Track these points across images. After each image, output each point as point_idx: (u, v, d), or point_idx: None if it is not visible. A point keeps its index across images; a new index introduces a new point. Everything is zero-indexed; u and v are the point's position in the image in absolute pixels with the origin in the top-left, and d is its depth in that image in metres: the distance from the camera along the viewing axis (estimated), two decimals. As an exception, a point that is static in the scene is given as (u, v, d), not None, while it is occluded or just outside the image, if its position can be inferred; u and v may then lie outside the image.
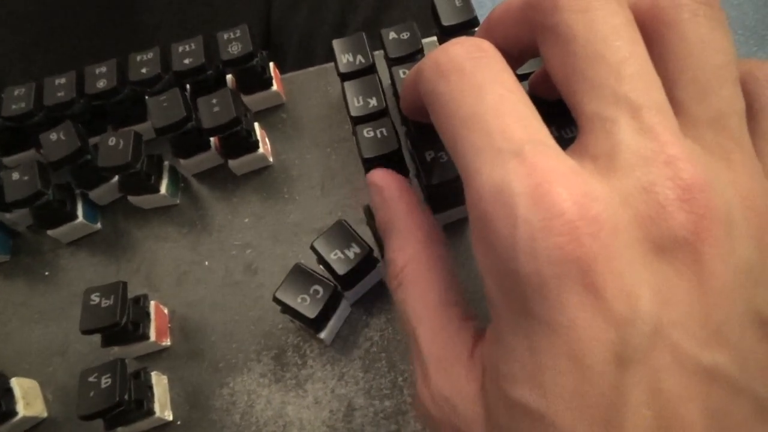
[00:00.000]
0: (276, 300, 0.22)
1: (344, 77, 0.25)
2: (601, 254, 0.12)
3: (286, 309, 0.22)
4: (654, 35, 0.15)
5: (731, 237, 0.13)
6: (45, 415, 0.24)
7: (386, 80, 0.27)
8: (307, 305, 0.21)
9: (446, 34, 0.25)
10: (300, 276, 0.22)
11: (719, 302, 0.12)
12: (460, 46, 0.15)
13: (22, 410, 0.23)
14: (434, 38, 0.28)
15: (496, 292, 0.14)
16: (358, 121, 0.24)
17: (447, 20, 0.25)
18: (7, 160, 0.29)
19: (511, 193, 0.13)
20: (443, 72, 0.15)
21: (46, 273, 0.28)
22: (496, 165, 0.13)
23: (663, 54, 0.15)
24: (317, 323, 0.22)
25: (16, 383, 0.24)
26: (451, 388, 0.15)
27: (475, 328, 0.16)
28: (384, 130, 0.24)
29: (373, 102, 0.24)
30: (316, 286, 0.22)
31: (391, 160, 0.23)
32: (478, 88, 0.15)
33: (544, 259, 0.12)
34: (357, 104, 0.24)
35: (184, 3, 0.41)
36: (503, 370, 0.13)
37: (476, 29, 0.25)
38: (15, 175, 0.25)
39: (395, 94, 0.25)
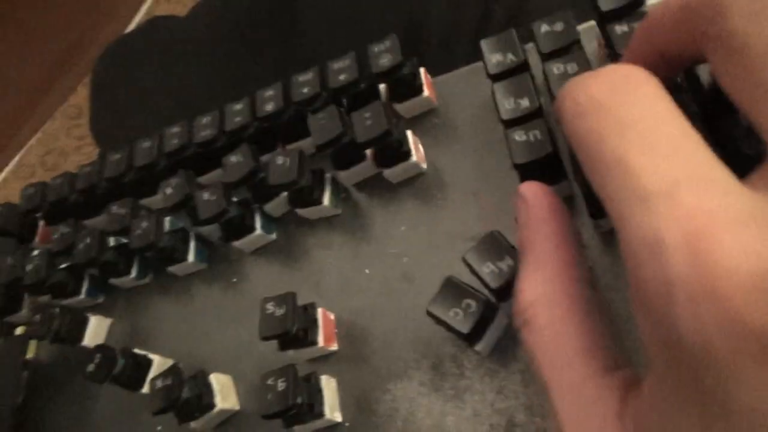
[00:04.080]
0: (429, 314, 0.22)
1: (494, 78, 0.24)
2: None
3: (440, 322, 0.22)
4: None
5: None
6: (237, 407, 0.28)
7: (540, 77, 0.25)
8: (459, 319, 0.21)
9: (606, 20, 0.22)
10: (452, 289, 0.22)
11: None
12: (601, 82, 0.13)
13: (219, 403, 0.27)
14: (593, 22, 0.25)
15: (659, 360, 0.12)
16: (509, 124, 0.23)
17: (606, 4, 0.22)
18: (202, 179, 0.33)
19: (664, 246, 0.11)
20: (582, 112, 0.14)
21: (234, 280, 0.31)
22: (645, 212, 0.12)
23: None
24: (471, 337, 0.21)
25: (214, 378, 0.28)
26: None
27: (624, 379, 0.14)
28: (537, 132, 0.22)
29: (525, 103, 0.23)
30: (468, 300, 0.21)
31: (545, 165, 0.22)
32: (620, 126, 0.13)
33: (714, 329, 0.10)
34: (508, 106, 0.23)
35: (338, 10, 0.43)
36: None
37: (643, 10, 0.22)
38: (205, 196, 0.29)
39: (550, 91, 0.23)
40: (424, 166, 0.28)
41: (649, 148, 0.12)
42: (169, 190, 0.30)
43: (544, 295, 0.15)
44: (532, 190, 0.17)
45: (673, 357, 0.11)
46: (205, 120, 0.31)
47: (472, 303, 0.21)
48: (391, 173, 0.28)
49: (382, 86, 0.30)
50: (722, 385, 0.10)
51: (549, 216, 0.16)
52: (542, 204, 0.17)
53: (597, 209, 0.21)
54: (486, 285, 0.21)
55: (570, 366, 0.14)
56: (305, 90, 0.29)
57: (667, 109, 0.13)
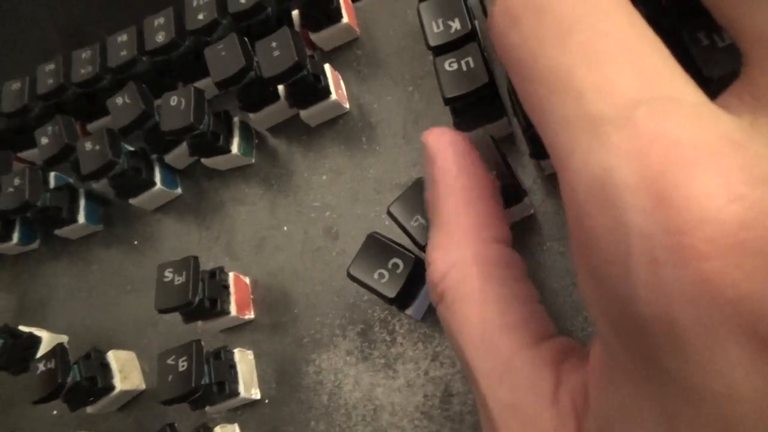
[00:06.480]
0: (350, 277, 0.19)
1: (421, -3, 0.21)
2: None
3: (363, 286, 0.19)
4: None
5: None
6: (143, 387, 0.24)
7: (474, -6, 0.22)
8: (385, 282, 0.18)
9: None
10: (376, 248, 0.19)
11: None
12: None
13: (119, 384, 0.23)
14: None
15: (609, 333, 0.09)
16: (438, 51, 0.19)
17: None
18: (90, 127, 0.28)
19: (616, 187, 0.08)
20: (515, 19, 0.10)
21: (135, 242, 0.27)
22: (592, 143, 0.09)
23: None
24: (399, 301, 0.19)
25: (113, 356, 0.24)
26: None
27: (556, 349, 0.12)
28: (470, 60, 0.19)
29: (456, 25, 0.19)
30: (395, 259, 0.18)
31: (480, 99, 0.19)
32: (561, 32, 0.10)
33: (680, 298, 0.08)
34: (436, 30, 0.20)
35: None
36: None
37: None
38: (88, 145, 0.24)
39: (484, 8, 0.20)
40: (347, 105, 0.24)
41: (598, 59, 0.09)
42: (44, 140, 0.25)
43: (456, 264, 0.13)
44: (435, 138, 0.14)
45: (627, 331, 0.09)
46: (85, 55, 0.26)
47: (399, 262, 0.18)
48: (309, 114, 0.24)
49: (295, 13, 0.25)
50: (693, 365, 0.08)
51: (456, 168, 0.13)
52: (447, 154, 0.14)
53: (539, 148, 0.19)
54: (414, 241, 0.18)
55: (494, 342, 0.12)
56: (201, 16, 0.24)
57: (619, 5, 0.10)
